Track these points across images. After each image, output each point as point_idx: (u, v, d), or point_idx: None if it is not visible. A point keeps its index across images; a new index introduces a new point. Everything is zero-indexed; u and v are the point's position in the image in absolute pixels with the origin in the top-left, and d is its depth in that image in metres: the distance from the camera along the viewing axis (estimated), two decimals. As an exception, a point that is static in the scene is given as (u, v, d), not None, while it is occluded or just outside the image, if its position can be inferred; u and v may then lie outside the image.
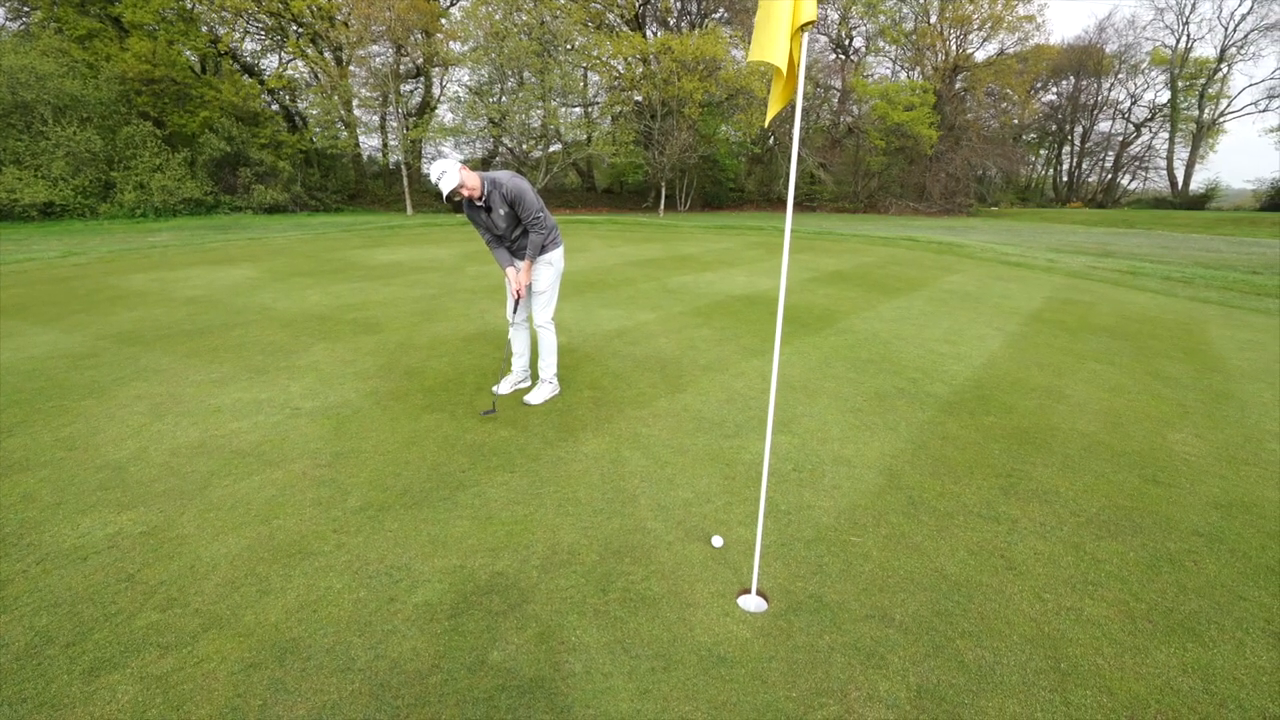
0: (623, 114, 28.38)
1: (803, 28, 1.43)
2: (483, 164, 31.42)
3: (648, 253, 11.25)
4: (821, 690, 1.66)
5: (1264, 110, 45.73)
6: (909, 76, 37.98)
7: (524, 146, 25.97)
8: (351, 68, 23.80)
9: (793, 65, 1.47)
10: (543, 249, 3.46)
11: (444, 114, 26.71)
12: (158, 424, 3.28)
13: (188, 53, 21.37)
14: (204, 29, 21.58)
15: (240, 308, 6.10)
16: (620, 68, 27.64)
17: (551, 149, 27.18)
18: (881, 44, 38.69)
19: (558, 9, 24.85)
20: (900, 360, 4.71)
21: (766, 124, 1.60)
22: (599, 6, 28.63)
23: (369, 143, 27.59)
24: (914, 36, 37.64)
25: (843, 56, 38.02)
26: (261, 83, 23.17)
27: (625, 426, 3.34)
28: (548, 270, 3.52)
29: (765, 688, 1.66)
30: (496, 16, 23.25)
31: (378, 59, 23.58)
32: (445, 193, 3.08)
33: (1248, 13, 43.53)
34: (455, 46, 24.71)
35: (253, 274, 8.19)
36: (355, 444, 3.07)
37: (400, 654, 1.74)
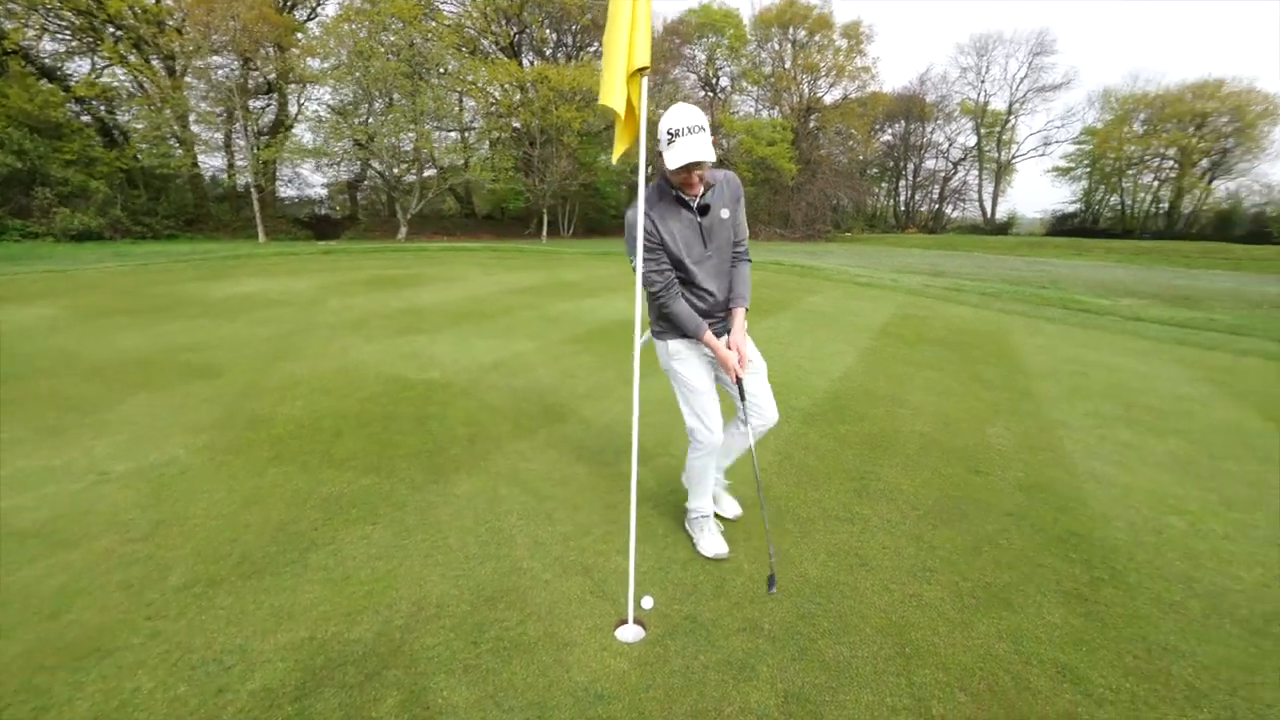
0: (501, 140, 28.15)
1: (639, 72, 1.51)
2: (349, 187, 29.44)
3: (528, 280, 11.13)
4: (697, 712, 1.68)
5: (1041, 155, 56.29)
6: (770, 115, 41.66)
7: (394, 171, 24.71)
8: (188, 79, 21.34)
9: (632, 108, 1.54)
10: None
11: (302, 133, 24.73)
12: (-102, 508, 2.61)
13: (-43, 49, 17.91)
14: (-18, 22, 18.23)
15: (31, 355, 5.10)
16: (497, 94, 27.48)
17: (426, 174, 26.14)
18: (745, 84, 42.16)
19: (429, 32, 24.23)
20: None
21: (614, 161, 1.66)
22: (473, 32, 28.36)
23: (211, 162, 24.79)
24: (772, 79, 41.47)
25: (711, 93, 40.83)
26: (66, 89, 19.96)
27: (503, 462, 3.23)
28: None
29: (643, 719, 1.65)
30: (361, 35, 22.12)
31: (220, 71, 21.39)
32: (686, 162, 1.84)
33: (1024, 77, 53.60)
34: (314, 63, 23.10)
35: (51, 313, 6.91)
36: (180, 509, 2.66)
37: (228, 754, 1.50)
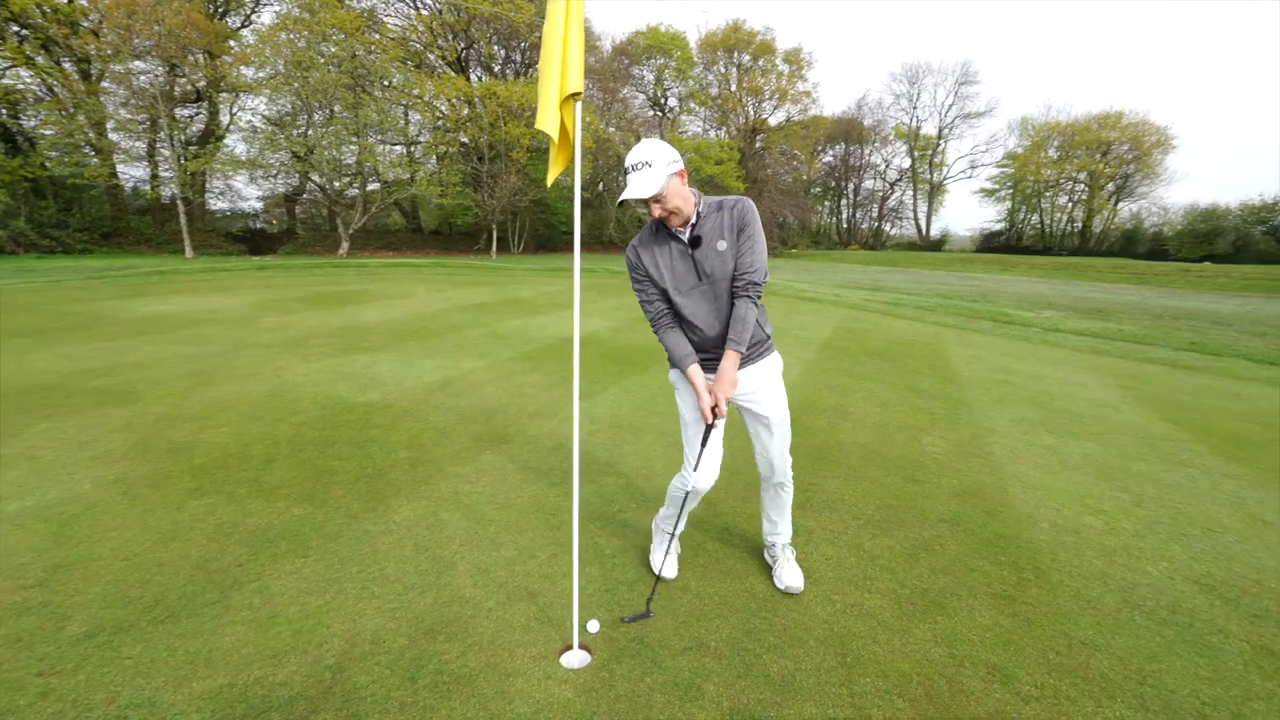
0: (448, 154, 27.75)
1: (572, 97, 1.52)
2: (287, 200, 28.33)
3: (477, 297, 10.94)
4: (642, 738, 1.66)
5: (969, 177, 60.38)
6: (717, 135, 42.89)
7: (336, 184, 23.90)
8: (105, 84, 20.08)
9: (566, 132, 1.54)
10: (767, 344, 2.20)
11: (235, 144, 23.62)
12: None
13: None
14: None
15: (-87, 382, 4.61)
16: (444, 108, 27.13)
17: (370, 187, 25.42)
18: (692, 105, 43.31)
19: (372, 44, 23.72)
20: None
21: (548, 184, 1.66)
22: (418, 46, 27.97)
23: (132, 173, 23.30)
24: (718, 101, 42.77)
25: (659, 113, 41.66)
26: (-42, 90, 18.37)
27: (445, 486, 3.13)
28: (778, 380, 2.27)
29: (586, 750, 1.61)
30: (299, 44, 21.42)
31: (143, 77, 20.24)
32: (622, 199, 1.89)
33: (951, 104, 57.56)
34: (248, 72, 22.20)
35: (-60, 336, 6.28)
36: (85, 551, 2.44)
37: (129, 822, 1.37)
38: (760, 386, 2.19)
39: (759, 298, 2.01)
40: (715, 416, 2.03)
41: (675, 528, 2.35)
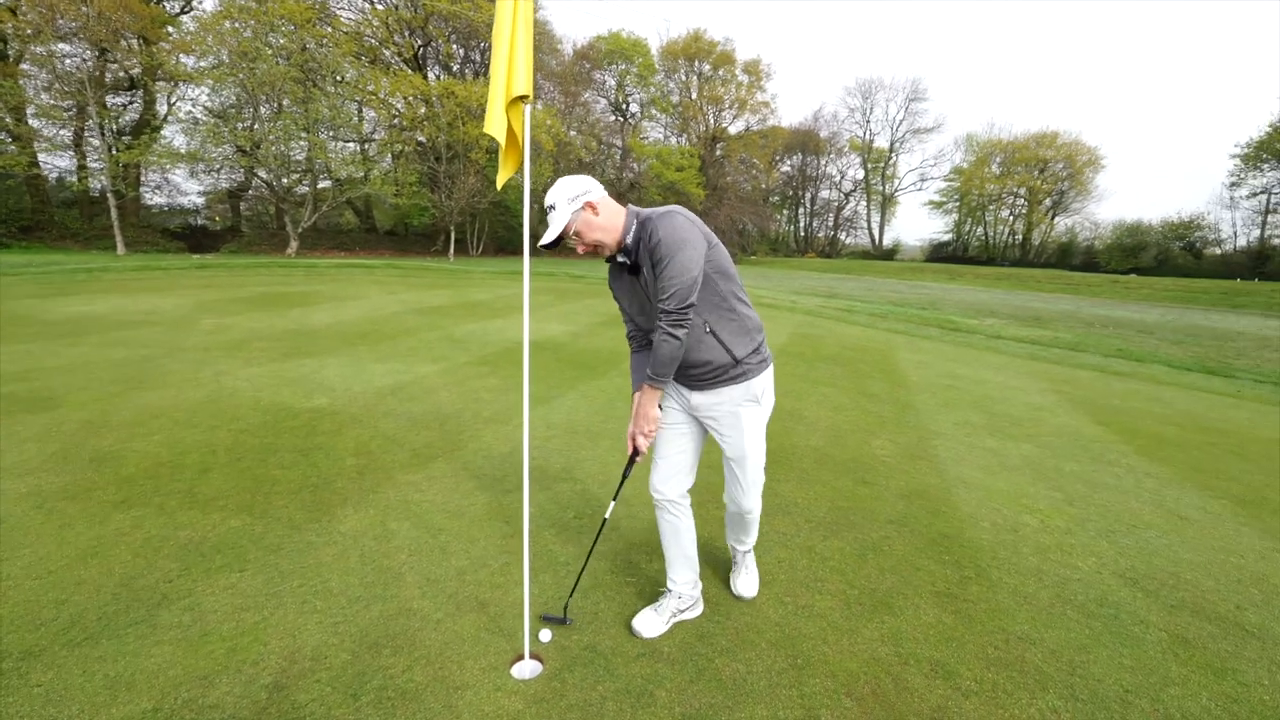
0: (404, 153, 27.08)
1: (520, 99, 1.50)
2: (231, 196, 27.08)
3: (433, 300, 10.69)
4: (594, 748, 1.64)
5: (919, 189, 62.99)
6: (678, 142, 43.34)
7: (284, 181, 22.96)
8: (25, 66, 18.74)
9: (513, 135, 1.53)
10: (735, 370, 1.97)
11: (173, 135, 22.40)
12: None
13: None
14: None
15: None
16: (400, 106, 26.47)
17: (321, 185, 24.52)
18: (654, 112, 43.65)
19: (323, 37, 22.93)
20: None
21: (499, 187, 1.63)
22: (373, 41, 27.22)
23: (57, 163, 21.80)
24: (679, 108, 43.27)
25: (621, 118, 41.81)
26: None
27: (394, 494, 3.03)
28: (755, 414, 2.05)
29: (536, 763, 1.58)
30: (245, 34, 20.50)
31: (69, 61, 18.99)
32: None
33: (902, 119, 60.04)
34: (188, 61, 21.10)
35: None
36: (-10, 569, 2.25)
37: None
38: (719, 415, 2.04)
39: (673, 326, 1.76)
40: (635, 450, 2.02)
41: (684, 583, 2.17)
